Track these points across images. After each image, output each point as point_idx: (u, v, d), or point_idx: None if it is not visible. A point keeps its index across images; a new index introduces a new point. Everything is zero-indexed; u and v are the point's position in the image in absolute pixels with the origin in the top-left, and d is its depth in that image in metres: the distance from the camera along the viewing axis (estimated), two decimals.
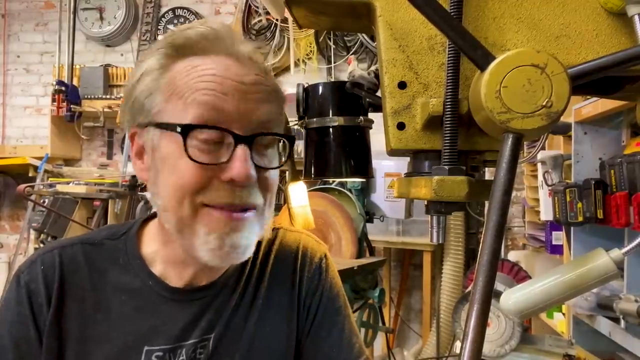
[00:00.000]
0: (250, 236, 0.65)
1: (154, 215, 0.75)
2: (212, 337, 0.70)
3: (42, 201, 3.18)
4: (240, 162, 0.60)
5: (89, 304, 0.69)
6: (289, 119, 0.89)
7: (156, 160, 0.64)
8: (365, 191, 2.55)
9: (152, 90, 0.64)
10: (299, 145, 2.50)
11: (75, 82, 3.81)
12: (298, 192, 1.04)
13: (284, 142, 0.68)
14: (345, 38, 3.55)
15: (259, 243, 0.79)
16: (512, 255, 2.58)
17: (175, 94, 0.63)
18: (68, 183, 3.30)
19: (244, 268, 0.76)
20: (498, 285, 1.51)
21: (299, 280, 0.78)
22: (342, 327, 0.78)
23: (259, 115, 0.63)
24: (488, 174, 1.89)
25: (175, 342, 0.68)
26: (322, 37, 3.59)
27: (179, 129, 0.60)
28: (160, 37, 0.70)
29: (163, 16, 3.98)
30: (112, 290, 0.70)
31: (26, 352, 0.67)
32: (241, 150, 0.61)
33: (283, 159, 0.68)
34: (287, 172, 0.96)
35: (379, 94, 0.67)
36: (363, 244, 2.20)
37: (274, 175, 0.67)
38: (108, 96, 3.79)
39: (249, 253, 0.66)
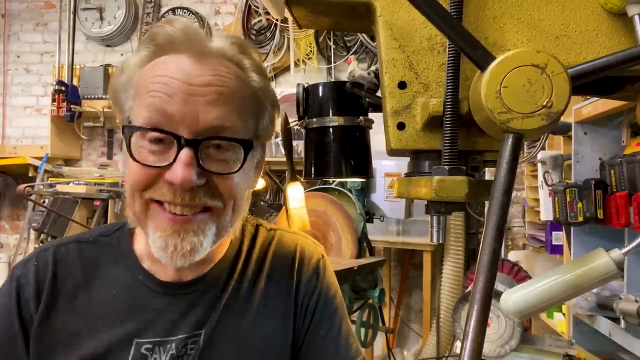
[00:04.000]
0: (198, 239, 0.63)
1: None
2: (202, 333, 0.71)
3: (42, 201, 3.18)
4: (180, 166, 0.59)
5: (81, 299, 0.71)
6: (289, 119, 0.89)
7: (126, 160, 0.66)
8: (365, 191, 2.55)
9: (127, 87, 0.66)
10: (299, 145, 2.50)
11: (75, 82, 3.81)
12: (296, 193, 1.04)
13: (246, 146, 0.64)
14: (345, 38, 3.55)
15: (253, 242, 0.80)
16: (512, 255, 2.58)
17: (138, 93, 0.64)
18: (68, 183, 3.30)
19: (235, 266, 0.76)
20: (498, 285, 1.51)
21: (296, 282, 0.78)
22: (339, 327, 0.79)
23: (207, 119, 0.61)
24: (488, 174, 1.89)
25: (165, 336, 0.69)
26: (322, 37, 3.59)
27: (122, 131, 0.63)
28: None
29: (163, 16, 3.98)
30: (104, 285, 0.72)
31: (8, 346, 0.68)
32: (184, 154, 0.59)
33: (239, 165, 0.64)
34: (286, 173, 0.96)
35: (379, 94, 0.67)
36: (363, 244, 2.20)
37: (232, 180, 0.64)
38: (108, 96, 3.77)
39: (199, 255, 0.64)
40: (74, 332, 0.69)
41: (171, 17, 0.67)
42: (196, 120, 0.60)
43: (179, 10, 3.95)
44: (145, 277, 0.72)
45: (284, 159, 0.92)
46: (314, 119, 0.76)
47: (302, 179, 0.98)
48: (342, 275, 1.83)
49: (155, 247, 0.64)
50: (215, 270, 0.75)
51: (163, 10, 4.01)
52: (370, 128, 0.78)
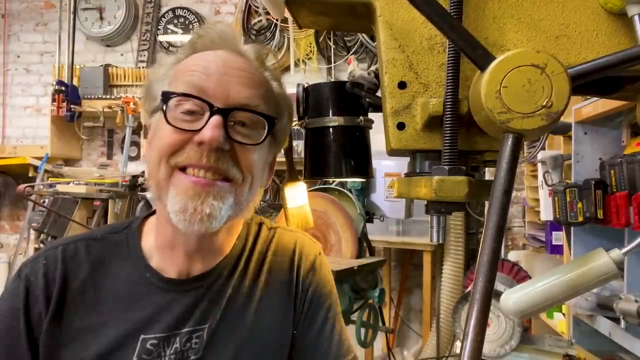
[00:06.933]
0: (218, 204, 0.66)
1: (154, 212, 0.79)
2: (206, 327, 0.72)
3: (42, 201, 3.18)
4: (210, 127, 0.64)
5: (89, 296, 0.72)
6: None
7: (154, 137, 0.70)
8: (365, 191, 2.55)
9: (163, 78, 0.72)
10: (299, 145, 2.50)
11: (75, 82, 3.80)
12: (296, 192, 1.04)
13: (270, 122, 0.70)
14: (345, 38, 3.55)
15: (256, 240, 0.83)
16: (512, 255, 2.57)
17: (175, 79, 0.70)
18: (68, 183, 3.29)
19: (238, 262, 0.79)
20: (498, 285, 1.51)
21: (295, 277, 0.81)
22: (333, 322, 0.81)
23: (238, 95, 0.67)
24: (488, 174, 1.89)
25: (170, 331, 0.71)
26: (322, 37, 3.58)
27: (160, 96, 0.67)
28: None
29: (163, 16, 3.98)
30: (111, 282, 0.73)
31: (12, 342, 0.69)
32: (214, 119, 0.65)
33: (262, 139, 0.69)
34: (285, 173, 0.96)
35: (379, 94, 0.67)
36: (363, 244, 2.20)
37: (253, 154, 0.69)
38: (108, 96, 3.78)
39: (217, 222, 0.66)
40: (82, 329, 0.70)
41: (209, 24, 0.75)
42: (227, 96, 0.67)
43: (178, 10, 3.95)
44: (151, 274, 0.74)
45: (284, 159, 0.92)
46: (314, 119, 0.76)
47: (301, 179, 0.98)
48: (342, 275, 1.83)
49: (174, 211, 0.65)
50: (221, 266, 0.77)
51: (163, 10, 4.01)
52: (370, 128, 0.78)
